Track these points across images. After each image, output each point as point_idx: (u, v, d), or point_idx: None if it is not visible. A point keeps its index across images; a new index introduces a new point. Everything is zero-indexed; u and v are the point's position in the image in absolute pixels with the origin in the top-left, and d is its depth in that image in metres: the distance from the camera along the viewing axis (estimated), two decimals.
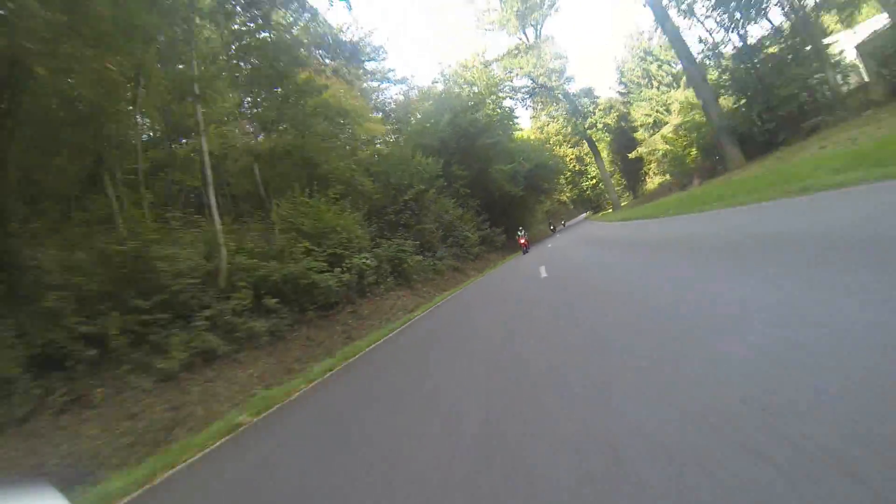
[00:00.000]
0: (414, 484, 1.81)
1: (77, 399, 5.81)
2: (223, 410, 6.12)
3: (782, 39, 15.01)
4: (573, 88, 28.42)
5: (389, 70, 26.73)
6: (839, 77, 13.97)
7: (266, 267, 8.91)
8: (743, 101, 16.40)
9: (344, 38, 25.50)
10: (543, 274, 8.13)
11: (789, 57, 14.51)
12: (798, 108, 13.85)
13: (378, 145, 17.44)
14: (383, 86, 25.69)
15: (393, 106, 25.73)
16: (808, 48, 14.17)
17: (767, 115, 14.67)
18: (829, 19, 16.10)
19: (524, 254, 20.10)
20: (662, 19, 19.81)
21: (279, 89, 13.28)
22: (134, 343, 6.51)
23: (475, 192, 21.97)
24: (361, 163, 15.40)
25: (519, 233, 22.51)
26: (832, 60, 14.07)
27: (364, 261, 10.99)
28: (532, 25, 26.81)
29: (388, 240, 13.67)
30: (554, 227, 35.57)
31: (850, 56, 15.15)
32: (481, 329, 5.24)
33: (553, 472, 1.46)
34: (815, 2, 14.66)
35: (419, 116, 24.07)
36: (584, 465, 1.42)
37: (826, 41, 14.49)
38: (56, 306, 6.10)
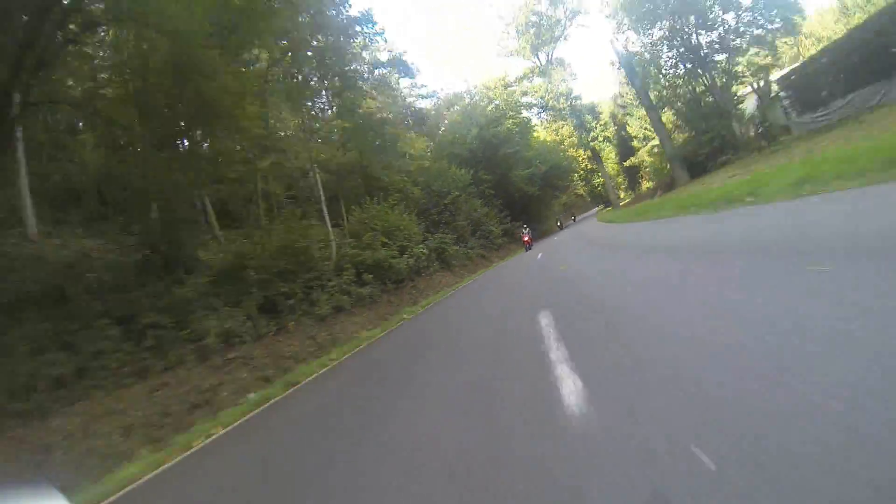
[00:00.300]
0: (470, 343, 6.29)
1: (281, 328, 10.58)
2: (355, 334, 10.82)
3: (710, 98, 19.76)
4: (580, 104, 32.17)
5: (422, 85, 31.14)
6: (741, 126, 19.11)
7: (362, 255, 13.59)
8: (688, 135, 21.49)
9: (381, 59, 29.86)
10: (539, 257, 12.58)
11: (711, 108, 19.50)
12: (719, 144, 18.61)
13: (423, 161, 21.83)
14: (417, 101, 30.11)
15: (426, 117, 30.16)
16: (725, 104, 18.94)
17: (700, 148, 19.55)
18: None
19: (526, 251, 21.40)
20: (632, 77, 23.95)
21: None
22: (303, 299, 11.26)
23: (498, 192, 26.28)
24: (411, 174, 19.94)
25: (523, 230, 23.67)
26: (738, 114, 19.43)
27: (421, 250, 15.58)
28: (544, 52, 30.65)
29: (433, 234, 18.25)
30: (561, 224, 35.58)
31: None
32: (502, 286, 9.73)
33: (525, 328, 5.92)
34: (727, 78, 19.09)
35: (447, 123, 28.38)
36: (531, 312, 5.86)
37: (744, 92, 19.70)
38: (262, 278, 10.86)
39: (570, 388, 2.38)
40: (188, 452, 4.29)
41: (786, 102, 15.51)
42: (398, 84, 29.66)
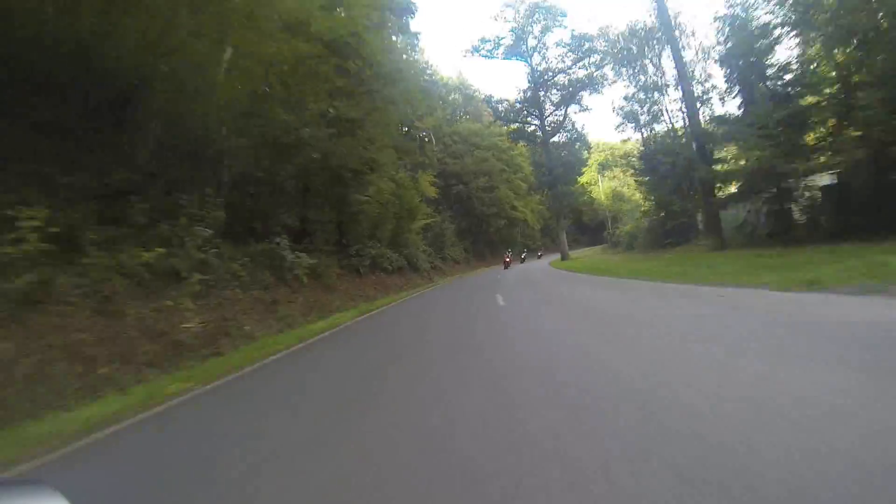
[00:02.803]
0: (470, 295, 14.53)
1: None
2: (398, 288, 18.48)
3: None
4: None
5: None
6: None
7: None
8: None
9: None
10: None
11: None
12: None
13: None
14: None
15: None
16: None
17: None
18: None
19: (504, 269, 27.37)
20: None
21: None
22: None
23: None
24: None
25: (507, 252, 31.86)
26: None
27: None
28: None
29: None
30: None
31: None
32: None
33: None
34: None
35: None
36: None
37: None
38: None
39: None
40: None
41: None
42: None
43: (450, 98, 43.11)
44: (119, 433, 3.58)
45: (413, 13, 22.31)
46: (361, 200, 16.84)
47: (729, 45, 17.21)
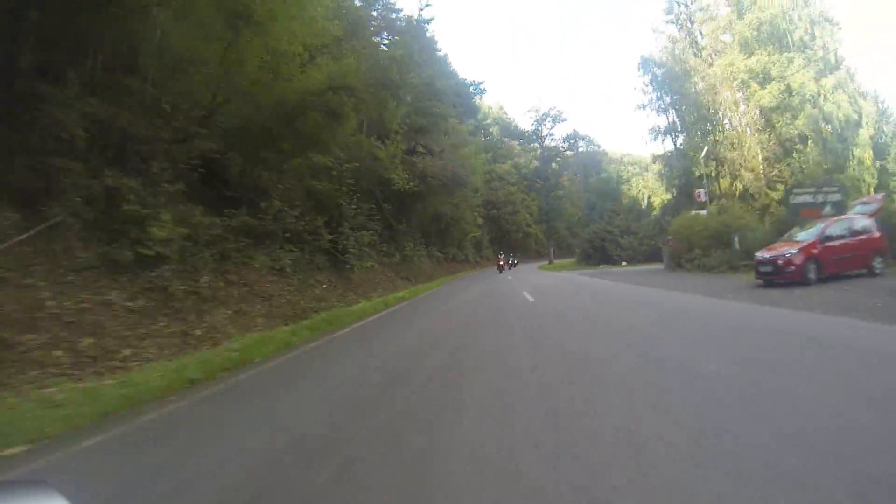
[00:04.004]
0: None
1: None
2: (461, 269, 36.70)
3: None
4: None
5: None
6: None
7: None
8: None
9: None
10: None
11: None
12: None
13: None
14: None
15: None
16: None
17: None
18: None
19: (499, 273, 29.82)
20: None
21: None
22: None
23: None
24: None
25: (500, 255, 35.10)
26: None
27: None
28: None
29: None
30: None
31: None
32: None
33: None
34: None
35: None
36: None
37: None
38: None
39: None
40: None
41: None
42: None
43: (490, 130, 61.52)
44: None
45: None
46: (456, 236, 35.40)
47: None
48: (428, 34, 27.30)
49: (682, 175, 30.63)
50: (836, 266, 9.68)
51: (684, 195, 28.74)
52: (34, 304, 4.92)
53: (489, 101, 63.23)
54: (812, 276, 9.39)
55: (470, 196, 36.99)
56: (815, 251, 9.62)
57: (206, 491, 2.24)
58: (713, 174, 28.40)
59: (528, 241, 59.92)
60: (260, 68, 9.20)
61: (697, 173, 27.27)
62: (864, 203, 12.83)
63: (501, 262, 32.72)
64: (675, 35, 31.40)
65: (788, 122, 25.02)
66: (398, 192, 20.61)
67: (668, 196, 34.91)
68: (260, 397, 4.22)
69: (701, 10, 29.78)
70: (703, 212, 21.35)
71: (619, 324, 6.74)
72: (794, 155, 25.04)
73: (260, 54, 9.01)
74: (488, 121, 61.72)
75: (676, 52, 30.65)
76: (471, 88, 42.62)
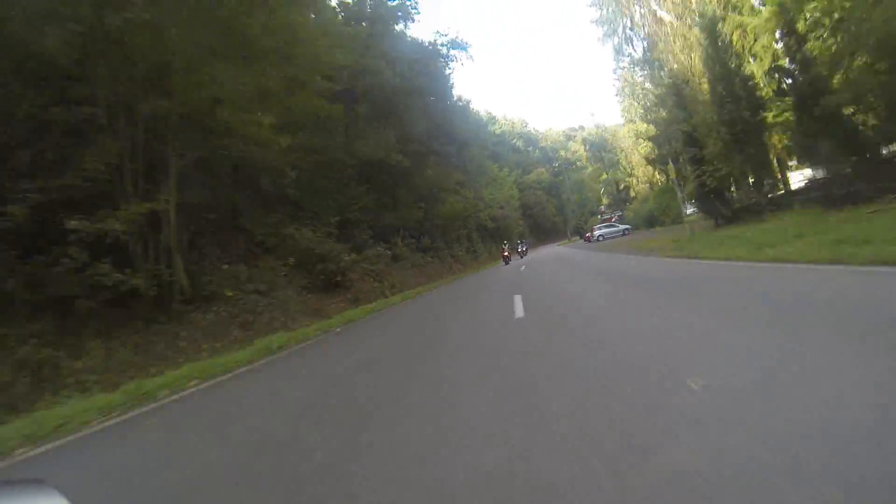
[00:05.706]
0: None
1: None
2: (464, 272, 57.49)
3: None
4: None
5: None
6: None
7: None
8: None
9: None
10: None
11: None
12: None
13: None
14: None
15: None
16: None
17: None
18: None
19: (504, 265, 26.07)
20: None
21: None
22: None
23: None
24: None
25: (504, 246, 31.99)
26: None
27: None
28: None
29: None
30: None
31: None
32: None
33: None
34: None
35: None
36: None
37: None
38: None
39: None
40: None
41: None
42: None
43: (513, 143, 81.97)
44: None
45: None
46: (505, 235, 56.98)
47: None
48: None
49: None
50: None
51: None
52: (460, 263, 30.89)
53: (513, 116, 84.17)
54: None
55: (512, 217, 58.74)
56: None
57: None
58: None
59: (557, 227, 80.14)
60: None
61: None
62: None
63: (506, 253, 29.14)
64: None
65: None
66: (483, 224, 42.89)
67: None
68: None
69: None
70: None
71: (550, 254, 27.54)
72: None
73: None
74: (514, 140, 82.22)
75: None
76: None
